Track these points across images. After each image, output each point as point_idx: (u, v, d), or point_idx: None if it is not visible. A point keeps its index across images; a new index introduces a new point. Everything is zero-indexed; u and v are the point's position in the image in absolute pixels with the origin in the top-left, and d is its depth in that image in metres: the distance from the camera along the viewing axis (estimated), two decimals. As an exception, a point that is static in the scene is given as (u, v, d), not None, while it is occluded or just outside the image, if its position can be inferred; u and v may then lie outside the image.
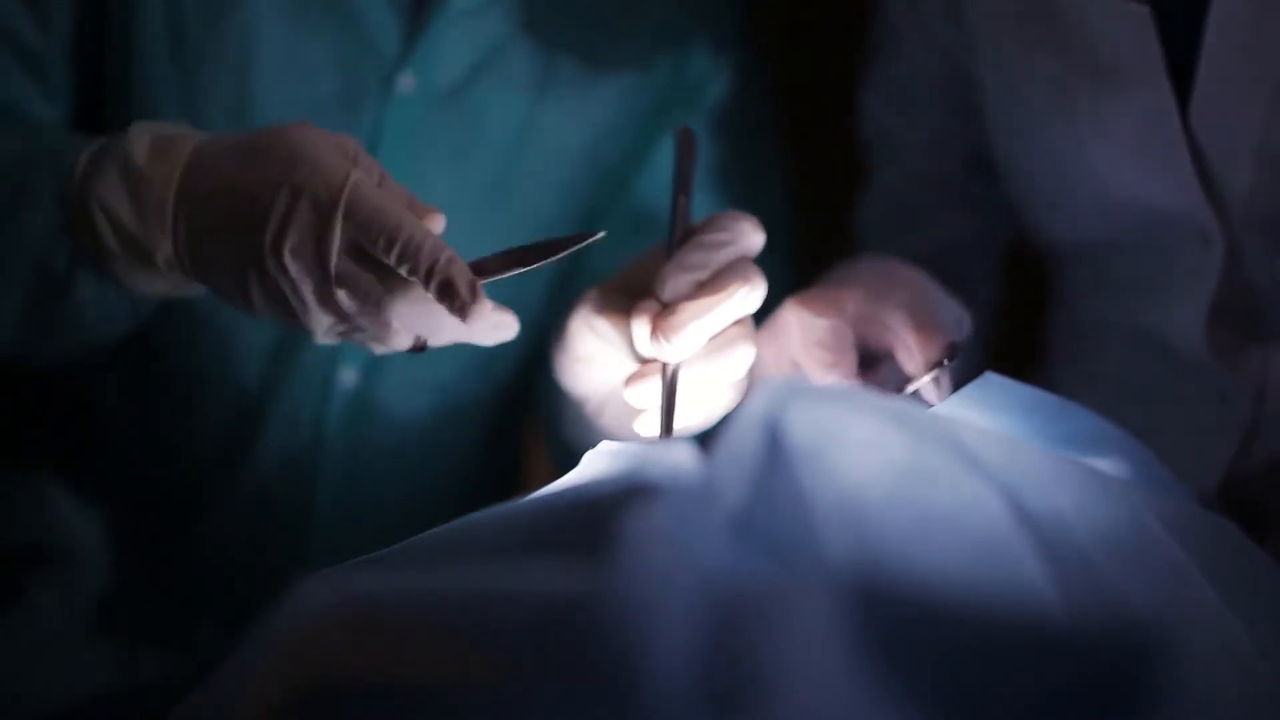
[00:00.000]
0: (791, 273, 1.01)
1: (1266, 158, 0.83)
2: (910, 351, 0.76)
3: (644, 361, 0.74)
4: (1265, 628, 0.60)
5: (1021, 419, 0.69)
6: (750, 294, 0.72)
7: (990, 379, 0.69)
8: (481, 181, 0.93)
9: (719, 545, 0.51)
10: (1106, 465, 0.69)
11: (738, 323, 0.73)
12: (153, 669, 0.94)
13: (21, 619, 0.93)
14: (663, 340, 0.71)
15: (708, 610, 0.47)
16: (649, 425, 0.74)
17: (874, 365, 0.79)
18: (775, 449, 0.54)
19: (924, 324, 0.77)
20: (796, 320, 0.78)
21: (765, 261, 0.99)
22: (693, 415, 0.75)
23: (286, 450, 0.94)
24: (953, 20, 0.96)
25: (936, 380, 0.76)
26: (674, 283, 0.72)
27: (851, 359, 0.77)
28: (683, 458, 0.59)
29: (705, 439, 0.75)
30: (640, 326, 0.72)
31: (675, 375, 0.73)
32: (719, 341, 0.73)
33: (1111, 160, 0.88)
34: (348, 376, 0.93)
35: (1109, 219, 0.92)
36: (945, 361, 0.76)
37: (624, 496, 0.51)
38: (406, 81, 0.89)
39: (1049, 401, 0.69)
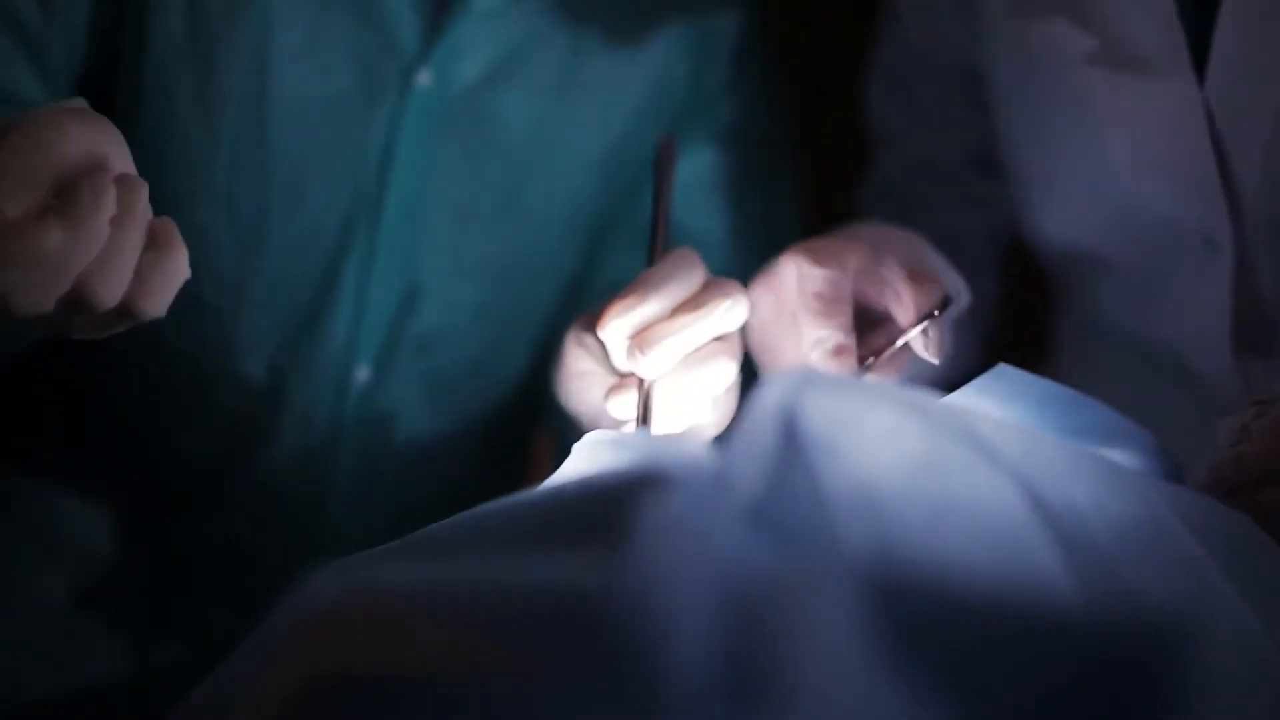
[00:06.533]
0: None
1: (1274, 153, 0.82)
2: (902, 301, 0.76)
3: (625, 375, 0.75)
4: (1280, 623, 0.60)
5: (1035, 411, 0.69)
6: (731, 310, 0.73)
7: (1004, 370, 0.69)
8: (495, 183, 0.93)
9: (734, 536, 0.51)
10: (1121, 458, 0.69)
11: (720, 338, 0.75)
12: (163, 659, 0.95)
13: (31, 609, 0.93)
14: (638, 355, 0.72)
15: (724, 602, 0.47)
16: None
17: (874, 327, 0.78)
18: (790, 439, 0.54)
19: (918, 274, 0.76)
20: (795, 269, 0.77)
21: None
22: (672, 428, 0.76)
23: (301, 445, 0.94)
24: (960, 8, 0.96)
25: (926, 332, 0.76)
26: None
27: (847, 311, 0.76)
28: (696, 449, 0.59)
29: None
30: (617, 342, 0.74)
31: (650, 388, 0.74)
32: (697, 356, 0.74)
33: (1127, 149, 0.87)
34: (361, 373, 0.93)
35: (1111, 221, 0.91)
36: (936, 313, 0.75)
37: (638, 487, 0.51)
38: (425, 79, 0.89)
39: (1063, 394, 0.69)
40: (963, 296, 0.80)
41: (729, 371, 0.75)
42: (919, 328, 0.75)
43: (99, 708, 0.92)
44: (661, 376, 0.74)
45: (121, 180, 0.59)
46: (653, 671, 0.45)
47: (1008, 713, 0.48)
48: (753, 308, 0.78)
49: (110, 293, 0.59)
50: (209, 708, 0.61)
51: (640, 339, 0.73)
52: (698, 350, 0.74)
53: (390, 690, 0.48)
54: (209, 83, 0.87)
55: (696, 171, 0.98)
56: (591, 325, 0.76)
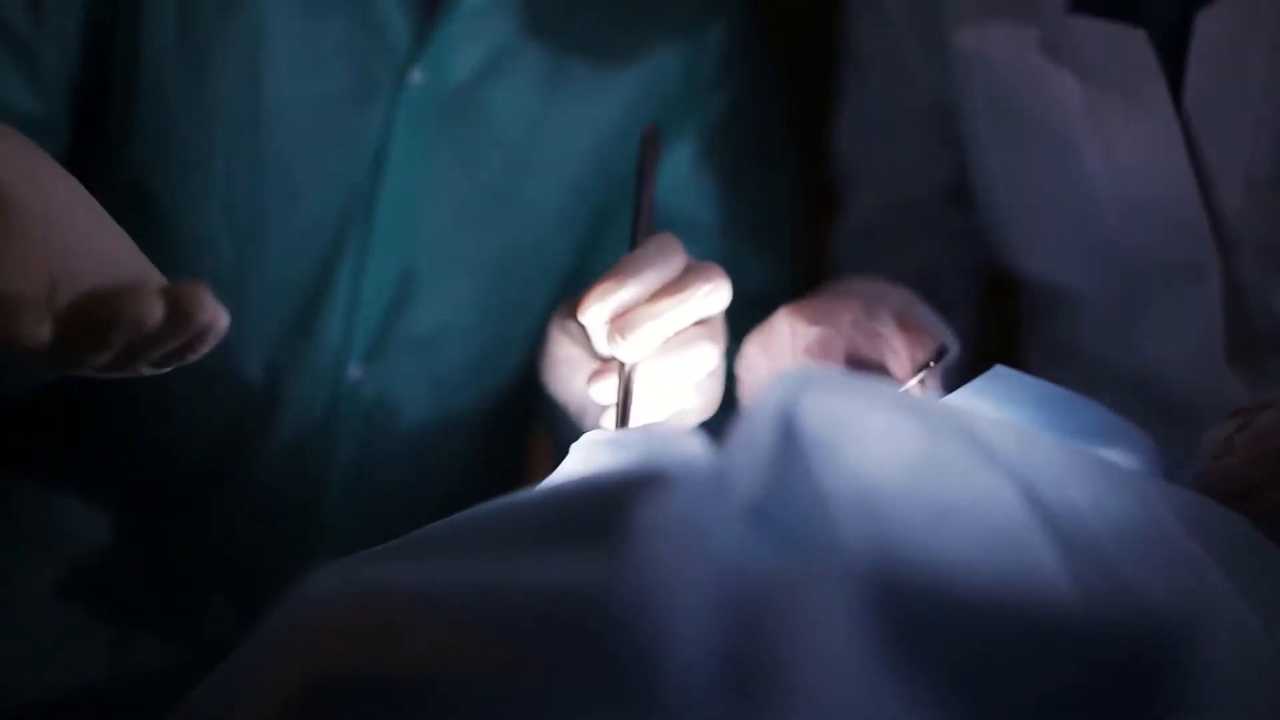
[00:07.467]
0: (798, 274, 1.00)
1: (1254, 180, 0.82)
2: (897, 354, 0.76)
3: (607, 360, 0.76)
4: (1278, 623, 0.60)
5: (1032, 411, 0.69)
6: (712, 293, 0.74)
7: (1001, 371, 0.69)
8: (491, 180, 0.93)
9: (734, 536, 0.51)
10: (1119, 458, 0.69)
11: (702, 322, 0.75)
12: (162, 658, 0.95)
13: (30, 608, 0.93)
14: (618, 339, 0.72)
15: (724, 602, 0.47)
16: (610, 422, 0.75)
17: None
18: (790, 439, 0.54)
19: (911, 326, 0.77)
20: (789, 327, 0.78)
21: (772, 263, 1.00)
22: (655, 413, 0.76)
23: (298, 443, 0.94)
24: (925, 45, 0.95)
25: (923, 383, 0.76)
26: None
27: (838, 367, 0.77)
28: (695, 448, 0.59)
29: (716, 430, 0.76)
30: (597, 326, 0.74)
31: (631, 373, 0.74)
32: (678, 340, 0.74)
33: (1106, 179, 0.87)
34: (355, 371, 0.93)
35: (1091, 255, 0.91)
36: (932, 364, 0.76)
37: (637, 486, 0.51)
38: (417, 77, 0.89)
39: (1060, 394, 0.69)
40: (954, 347, 0.80)
41: (711, 356, 0.75)
42: (915, 379, 0.76)
43: (98, 707, 0.92)
44: (642, 360, 0.74)
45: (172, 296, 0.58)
46: (653, 671, 0.45)
47: (1008, 713, 0.48)
48: (748, 366, 0.79)
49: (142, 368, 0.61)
50: (209, 708, 0.61)
51: (620, 323, 0.73)
52: (679, 335, 0.74)
53: (390, 690, 0.48)
54: (203, 86, 0.87)
55: (689, 160, 0.98)
56: (574, 311, 0.76)
